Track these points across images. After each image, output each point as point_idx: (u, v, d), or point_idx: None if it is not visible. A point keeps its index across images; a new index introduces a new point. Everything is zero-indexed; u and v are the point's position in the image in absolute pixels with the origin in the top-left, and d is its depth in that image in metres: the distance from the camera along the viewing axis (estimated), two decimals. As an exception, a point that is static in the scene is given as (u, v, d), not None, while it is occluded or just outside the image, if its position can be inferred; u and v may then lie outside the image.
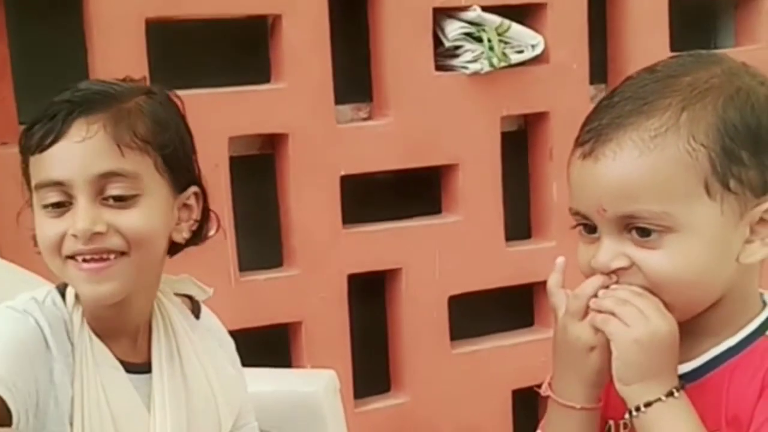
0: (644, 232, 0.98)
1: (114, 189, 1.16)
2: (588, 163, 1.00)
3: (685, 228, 0.97)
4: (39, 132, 1.16)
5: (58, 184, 1.16)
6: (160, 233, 1.22)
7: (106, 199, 1.17)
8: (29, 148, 1.18)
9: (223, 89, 2.20)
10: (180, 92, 2.07)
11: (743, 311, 1.04)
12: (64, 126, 1.15)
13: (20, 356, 1.13)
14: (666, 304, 1.00)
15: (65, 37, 2.12)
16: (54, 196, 1.16)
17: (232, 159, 2.22)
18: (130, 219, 1.17)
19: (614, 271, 1.00)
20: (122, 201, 1.17)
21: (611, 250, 1.00)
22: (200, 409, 1.27)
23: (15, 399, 1.09)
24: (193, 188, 1.26)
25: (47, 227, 1.17)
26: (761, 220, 1.00)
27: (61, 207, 1.17)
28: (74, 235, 1.15)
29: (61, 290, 1.22)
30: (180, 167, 1.24)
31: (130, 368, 1.23)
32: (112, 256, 1.17)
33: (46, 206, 1.17)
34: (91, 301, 1.20)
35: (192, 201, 1.26)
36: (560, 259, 1.10)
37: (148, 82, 1.97)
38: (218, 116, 2.16)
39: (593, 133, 1.00)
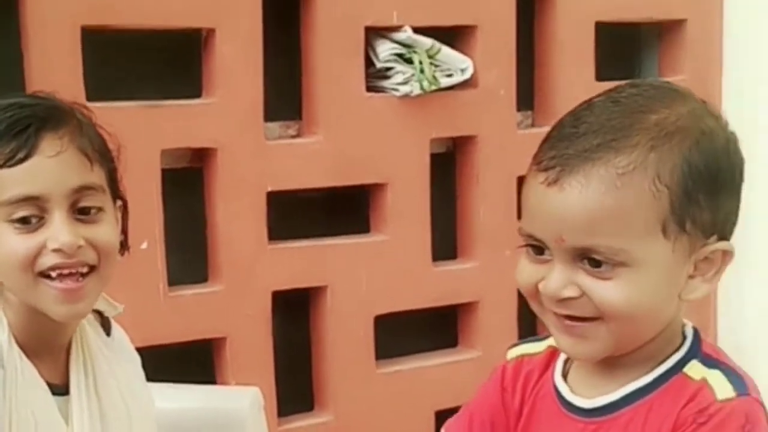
0: (596, 263, 0.99)
1: (85, 203, 1.17)
2: (551, 191, 1.00)
3: (637, 263, 0.98)
4: (7, 147, 1.15)
5: (32, 199, 1.14)
6: (118, 247, 1.23)
7: (77, 213, 1.17)
8: None
9: (156, 102, 2.18)
10: (114, 104, 2.09)
11: (665, 346, 1.06)
12: (36, 140, 1.15)
13: None
14: (613, 334, 1.01)
15: (1, 44, 2.08)
16: (26, 211, 1.15)
17: (163, 171, 2.20)
18: (100, 232, 1.18)
19: (563, 300, 1.01)
20: (90, 215, 1.18)
21: (563, 278, 1.01)
22: (115, 427, 1.27)
23: None
24: (119, 201, 1.26)
25: (18, 242, 1.15)
26: (705, 258, 1.02)
27: (29, 222, 1.15)
28: (57, 250, 1.14)
29: None
30: (116, 181, 1.24)
31: (54, 389, 1.22)
32: (84, 270, 1.16)
33: (14, 221, 1.15)
34: (63, 319, 1.19)
35: (118, 214, 1.26)
36: None
37: (83, 93, 1.98)
38: (151, 129, 2.15)
39: (558, 161, 1.00)
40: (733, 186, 1.03)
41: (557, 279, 1.01)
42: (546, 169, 1.00)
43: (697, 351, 1.06)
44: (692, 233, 1.00)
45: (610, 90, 1.05)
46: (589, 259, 0.99)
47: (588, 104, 1.04)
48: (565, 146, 1.00)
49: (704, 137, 1.01)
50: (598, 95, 1.05)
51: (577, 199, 0.98)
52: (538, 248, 1.03)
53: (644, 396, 1.03)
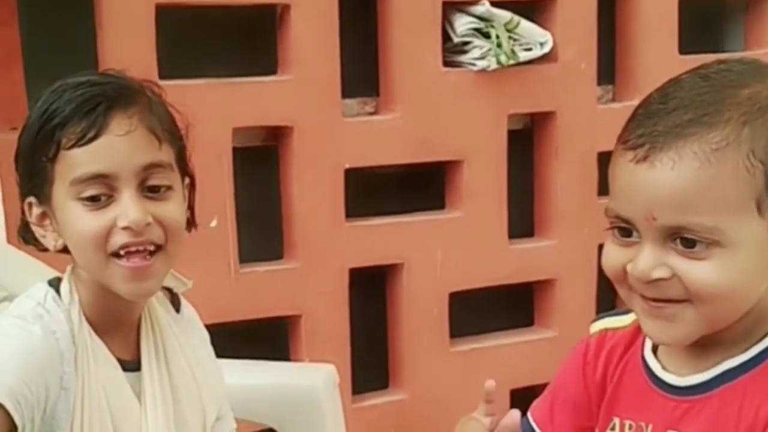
0: (689, 243, 0.96)
1: (154, 181, 1.17)
2: (641, 169, 0.96)
3: (732, 243, 0.95)
4: (77, 126, 1.14)
5: (101, 177, 1.15)
6: (184, 225, 1.23)
7: (146, 191, 1.17)
8: (64, 143, 1.15)
9: (229, 79, 2.19)
10: (186, 81, 2.10)
11: (761, 324, 1.02)
12: (106, 119, 1.15)
13: (31, 366, 1.12)
14: (701, 317, 0.98)
15: (75, 22, 2.11)
16: (95, 190, 1.15)
17: (235, 150, 2.20)
18: (169, 210, 1.18)
19: (652, 282, 0.98)
20: (159, 193, 1.18)
21: (653, 258, 0.97)
22: (186, 403, 1.27)
23: (22, 411, 1.09)
24: (187, 179, 1.26)
25: (88, 221, 1.15)
26: None
27: (98, 200, 1.15)
28: (126, 227, 1.15)
29: (56, 286, 1.21)
30: (185, 159, 1.24)
31: (125, 366, 1.23)
32: (151, 248, 1.17)
33: (83, 200, 1.15)
34: (131, 297, 1.20)
35: (186, 192, 1.26)
36: (489, 384, 1.14)
37: (156, 70, 2.00)
38: (223, 106, 2.15)
39: (648, 138, 0.96)
40: None
41: (647, 259, 0.97)
42: (634, 147, 0.97)
43: None
44: None
45: (697, 67, 1.02)
46: (681, 238, 0.96)
47: (675, 81, 1.01)
48: (654, 123, 0.97)
49: None
50: (685, 72, 1.02)
51: (669, 175, 0.95)
52: (624, 230, 1.00)
53: (739, 376, 1.01)
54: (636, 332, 1.10)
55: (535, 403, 1.19)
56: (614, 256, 1.01)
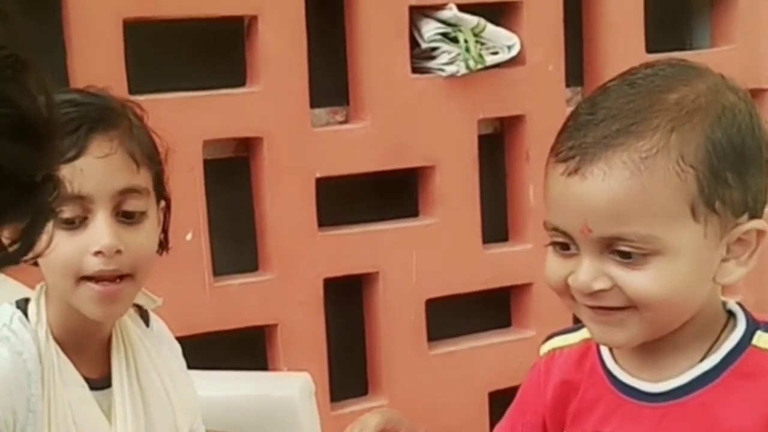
0: (627, 253, 0.97)
1: (129, 205, 1.18)
2: (573, 181, 0.97)
3: (669, 250, 0.96)
4: None
5: (77, 198, 1.15)
6: (155, 252, 1.24)
7: (120, 215, 1.18)
8: None
9: (198, 92, 2.19)
10: (155, 95, 2.10)
11: (712, 324, 1.03)
12: (86, 141, 1.16)
13: None
14: (646, 322, 0.99)
15: (44, 37, 2.10)
16: (70, 212, 1.16)
17: (206, 162, 2.20)
18: (139, 239, 1.19)
19: (594, 293, 0.98)
20: (133, 218, 1.19)
21: (593, 270, 0.98)
22: (158, 418, 1.28)
23: None
24: (162, 203, 1.26)
25: (62, 243, 1.15)
26: (739, 240, 0.99)
27: (73, 223, 1.16)
28: (99, 252, 1.15)
29: (22, 307, 1.22)
30: (162, 183, 1.25)
31: (93, 384, 1.23)
32: (120, 274, 1.18)
33: (58, 221, 1.14)
34: (100, 320, 1.20)
35: (160, 215, 1.26)
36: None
37: (126, 85, 1.99)
38: (193, 119, 2.15)
39: (578, 150, 0.97)
40: (762, 162, 1.00)
41: (587, 271, 0.98)
42: (565, 160, 0.98)
43: (755, 323, 1.03)
44: (722, 214, 0.97)
45: (625, 73, 1.03)
46: (618, 250, 0.97)
47: (603, 89, 1.01)
48: (583, 135, 0.97)
49: (726, 113, 0.98)
50: (613, 79, 1.02)
51: (601, 186, 0.96)
52: (563, 244, 1.01)
53: (715, 378, 1.01)
54: (585, 348, 1.10)
55: (495, 428, 1.19)
56: (555, 269, 1.01)
